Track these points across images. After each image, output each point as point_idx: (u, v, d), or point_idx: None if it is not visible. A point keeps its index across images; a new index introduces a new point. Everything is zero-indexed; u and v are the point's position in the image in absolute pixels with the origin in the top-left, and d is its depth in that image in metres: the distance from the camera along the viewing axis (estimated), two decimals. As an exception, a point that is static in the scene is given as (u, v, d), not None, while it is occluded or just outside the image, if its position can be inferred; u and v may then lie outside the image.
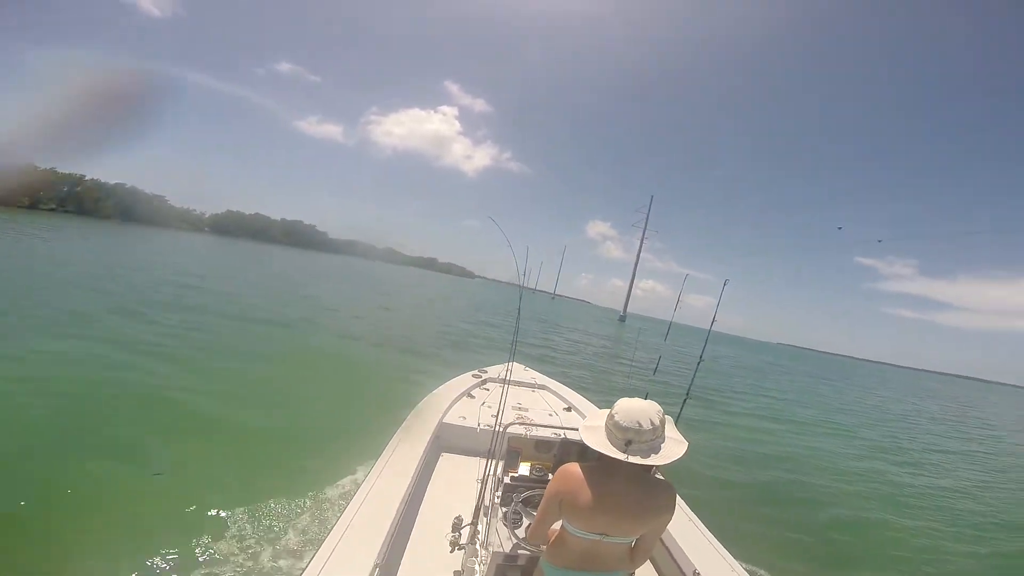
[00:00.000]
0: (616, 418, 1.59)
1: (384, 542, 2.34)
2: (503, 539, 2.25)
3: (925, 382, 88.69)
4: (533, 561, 2.09)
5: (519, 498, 2.56)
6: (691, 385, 3.33)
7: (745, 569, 2.60)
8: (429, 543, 2.76)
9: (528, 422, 3.23)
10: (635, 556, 1.73)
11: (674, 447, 1.59)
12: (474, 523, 2.44)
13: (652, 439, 1.56)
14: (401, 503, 2.71)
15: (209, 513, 3.92)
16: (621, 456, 1.54)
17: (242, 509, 3.98)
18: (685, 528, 2.93)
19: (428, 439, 3.62)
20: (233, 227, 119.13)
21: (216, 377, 7.85)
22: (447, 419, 4.11)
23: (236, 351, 9.97)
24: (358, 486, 2.81)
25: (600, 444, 1.59)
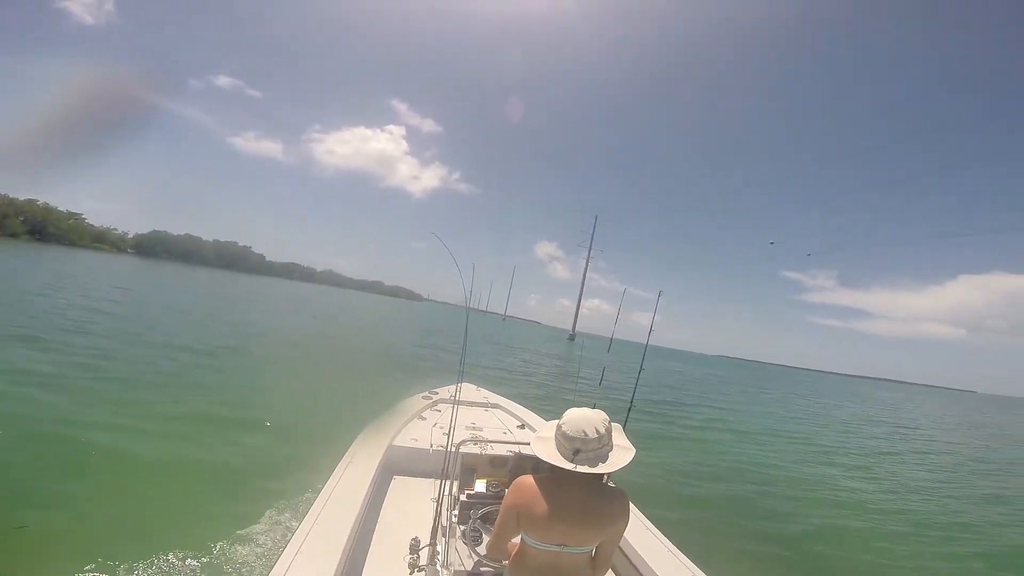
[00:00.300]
0: (563, 428, 1.63)
1: (338, 568, 2.21)
2: (463, 558, 2.22)
3: (855, 386, 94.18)
4: None
5: (477, 515, 2.54)
6: (634, 395, 3.39)
7: (706, 574, 2.61)
8: (386, 567, 2.65)
9: (482, 439, 3.22)
10: (596, 566, 1.74)
11: (621, 455, 1.62)
12: (432, 543, 2.38)
13: (599, 447, 1.60)
14: (352, 528, 2.57)
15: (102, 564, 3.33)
16: (569, 466, 1.57)
17: (149, 562, 3.45)
18: (643, 536, 2.95)
19: (378, 463, 3.49)
20: (159, 248, 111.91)
21: (123, 410, 6.93)
22: (397, 442, 4.00)
23: (148, 380, 8.95)
24: (303, 517, 2.64)
25: (550, 455, 1.63)
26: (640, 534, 2.98)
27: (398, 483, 3.71)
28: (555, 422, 1.72)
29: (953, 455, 16.47)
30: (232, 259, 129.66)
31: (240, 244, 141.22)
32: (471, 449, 2.91)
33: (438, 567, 2.32)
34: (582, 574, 1.71)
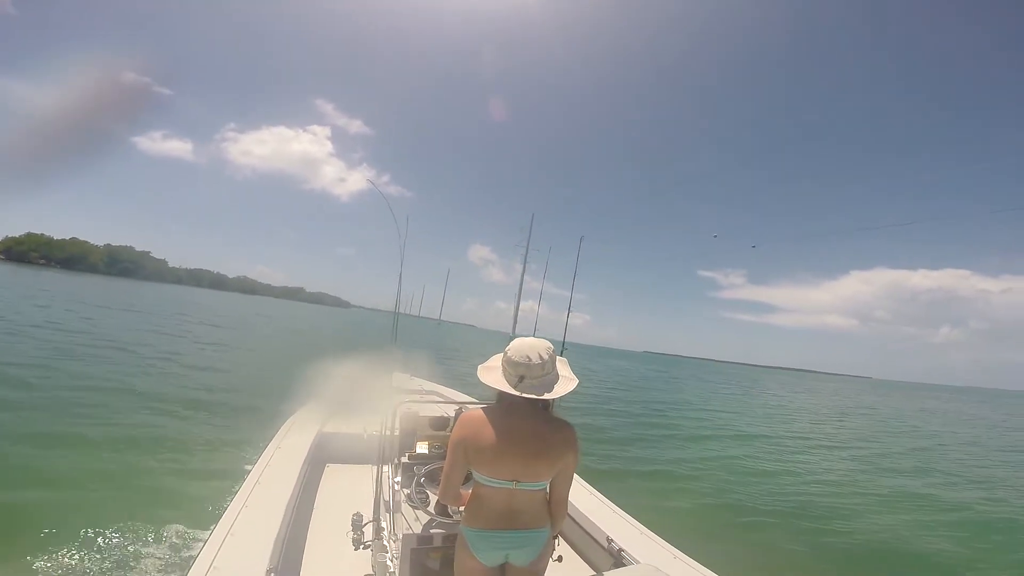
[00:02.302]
0: (509, 354, 1.64)
1: (273, 551, 2.02)
2: (411, 522, 2.15)
3: (775, 376, 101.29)
4: (451, 539, 1.95)
5: (421, 473, 2.51)
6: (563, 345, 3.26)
7: (663, 539, 2.58)
8: (328, 547, 2.52)
9: (422, 400, 3.18)
10: (554, 511, 1.73)
11: (565, 383, 1.65)
12: (376, 517, 2.27)
13: (543, 374, 1.61)
14: (286, 512, 2.38)
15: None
16: (515, 392, 1.58)
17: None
18: (589, 502, 2.99)
19: (307, 450, 3.31)
20: (34, 253, 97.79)
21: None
22: (328, 428, 3.84)
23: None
24: (228, 503, 2.39)
25: (496, 381, 1.63)
26: (587, 500, 3.01)
27: (332, 470, 3.54)
28: (500, 354, 1.70)
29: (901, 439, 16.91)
30: (126, 265, 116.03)
31: (137, 249, 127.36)
32: (411, 409, 2.87)
33: (385, 540, 2.19)
34: (541, 520, 1.69)
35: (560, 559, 2.00)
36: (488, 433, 1.59)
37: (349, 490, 3.21)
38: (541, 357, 1.60)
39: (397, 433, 2.68)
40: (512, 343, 1.67)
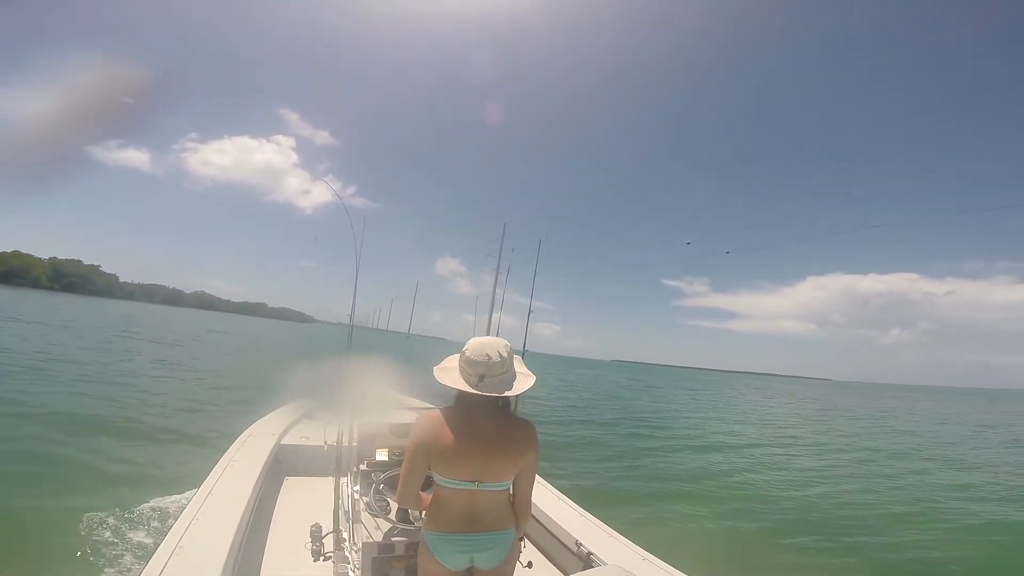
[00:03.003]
0: (468, 354, 1.59)
1: (225, 567, 1.90)
2: (372, 530, 2.15)
3: (743, 381, 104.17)
4: (415, 548, 1.83)
5: (380, 479, 2.49)
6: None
7: (632, 541, 2.55)
8: (286, 560, 2.43)
9: (382, 407, 3.14)
10: (518, 511, 1.71)
11: (524, 380, 1.62)
12: (336, 528, 2.19)
13: (503, 372, 1.58)
14: (240, 525, 2.25)
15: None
16: (475, 391, 1.55)
17: None
18: (558, 507, 2.97)
19: (264, 462, 3.15)
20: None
21: None
22: (287, 440, 3.76)
23: None
24: (176, 518, 2.25)
25: (454, 382, 1.59)
26: (556, 506, 2.98)
27: (292, 483, 3.45)
28: (456, 355, 1.66)
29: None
30: (73, 280, 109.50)
31: (85, 263, 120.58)
32: (370, 417, 2.86)
33: (346, 551, 2.14)
34: (505, 521, 1.66)
35: (530, 565, 2.05)
36: (448, 434, 1.56)
37: (309, 502, 3.11)
38: (500, 355, 1.58)
39: (355, 444, 2.66)
40: (470, 342, 1.62)
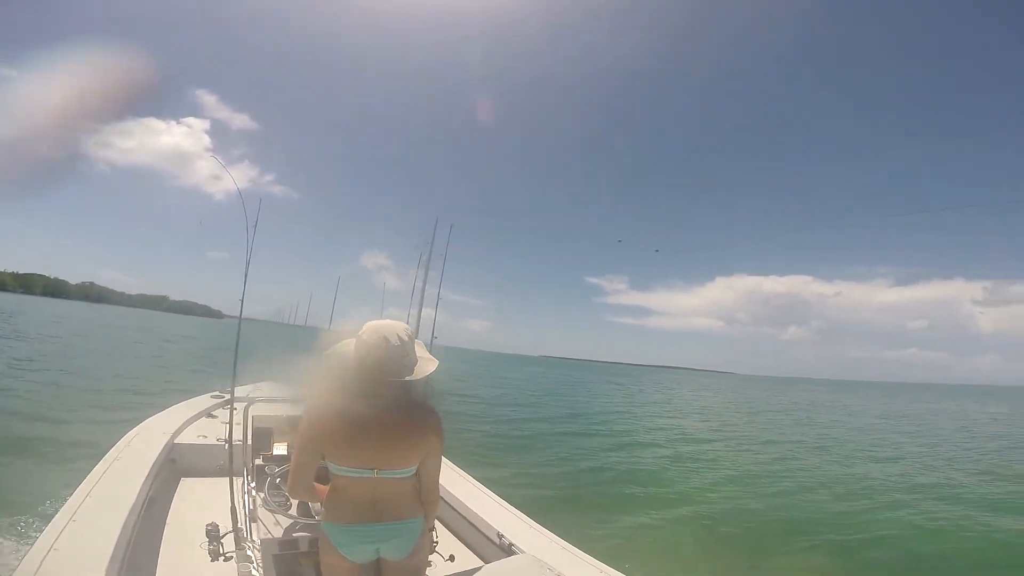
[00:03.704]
0: (363, 337, 1.54)
1: (110, 568, 1.76)
2: (270, 526, 2.15)
3: (665, 374, 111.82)
4: (318, 543, 1.74)
5: (275, 472, 2.48)
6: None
7: (552, 532, 2.58)
8: (182, 563, 2.27)
9: (277, 399, 3.11)
10: (425, 500, 1.67)
11: (426, 364, 1.57)
12: (235, 526, 2.14)
13: (402, 356, 1.52)
14: (125, 528, 2.08)
15: None
16: (371, 376, 1.51)
17: None
18: (480, 499, 2.97)
19: (154, 462, 2.95)
20: None
21: None
22: (182, 439, 3.53)
23: None
24: (49, 520, 2.02)
25: (350, 366, 1.54)
26: (477, 497, 2.99)
27: (188, 484, 3.22)
28: (351, 339, 1.58)
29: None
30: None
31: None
32: (264, 410, 2.85)
33: (248, 549, 2.05)
34: (411, 510, 1.61)
35: (452, 558, 2.23)
36: (341, 420, 1.49)
37: (206, 502, 2.86)
38: (400, 339, 1.52)
39: (250, 440, 2.67)
40: (366, 325, 1.56)
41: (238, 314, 2.90)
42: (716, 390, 50.03)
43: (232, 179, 3.19)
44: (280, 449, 2.71)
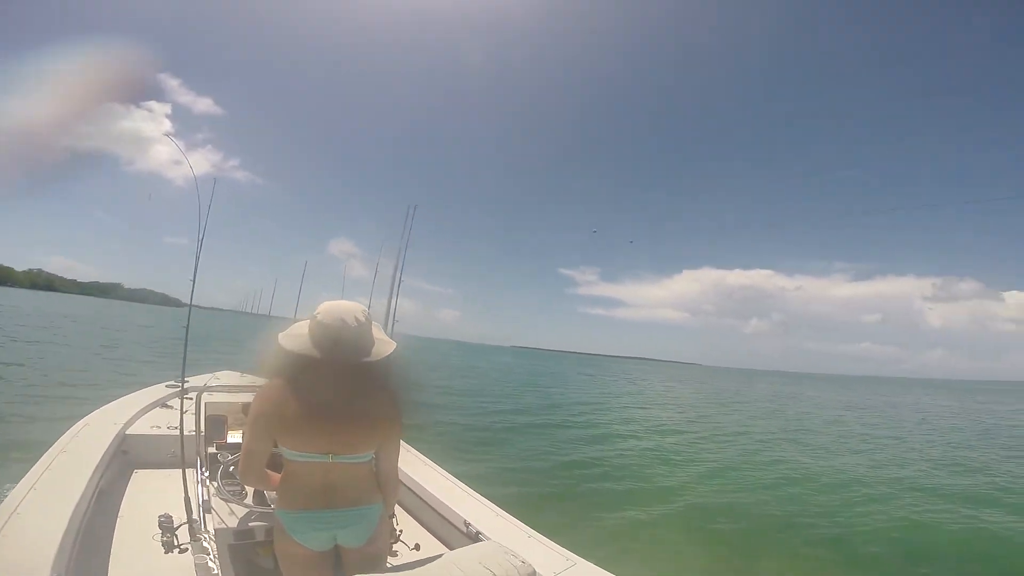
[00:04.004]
0: (319, 317, 1.48)
1: (56, 561, 1.62)
2: (225, 516, 2.14)
3: (636, 365, 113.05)
4: (272, 533, 1.73)
5: (228, 460, 2.45)
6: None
7: (518, 519, 2.54)
8: (137, 554, 2.18)
9: (231, 387, 3.11)
10: (383, 485, 1.62)
11: (383, 346, 1.52)
12: (188, 518, 2.03)
13: (359, 338, 1.48)
14: (72, 521, 1.94)
15: None
16: (326, 357, 1.45)
17: None
18: (447, 487, 2.92)
19: (104, 454, 2.79)
20: None
21: None
22: (134, 431, 3.38)
23: None
24: None
25: (303, 347, 1.46)
26: (442, 485, 2.93)
27: (141, 476, 3.08)
28: (306, 320, 1.53)
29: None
30: None
31: None
32: (219, 398, 2.81)
33: (203, 540, 1.94)
34: (369, 495, 1.56)
35: (417, 547, 2.18)
36: (293, 403, 1.44)
37: (160, 493, 2.75)
38: (357, 320, 1.47)
39: (204, 429, 2.57)
40: (322, 305, 1.51)
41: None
42: (683, 380, 51.07)
43: (187, 160, 3.17)
44: (234, 437, 2.67)
